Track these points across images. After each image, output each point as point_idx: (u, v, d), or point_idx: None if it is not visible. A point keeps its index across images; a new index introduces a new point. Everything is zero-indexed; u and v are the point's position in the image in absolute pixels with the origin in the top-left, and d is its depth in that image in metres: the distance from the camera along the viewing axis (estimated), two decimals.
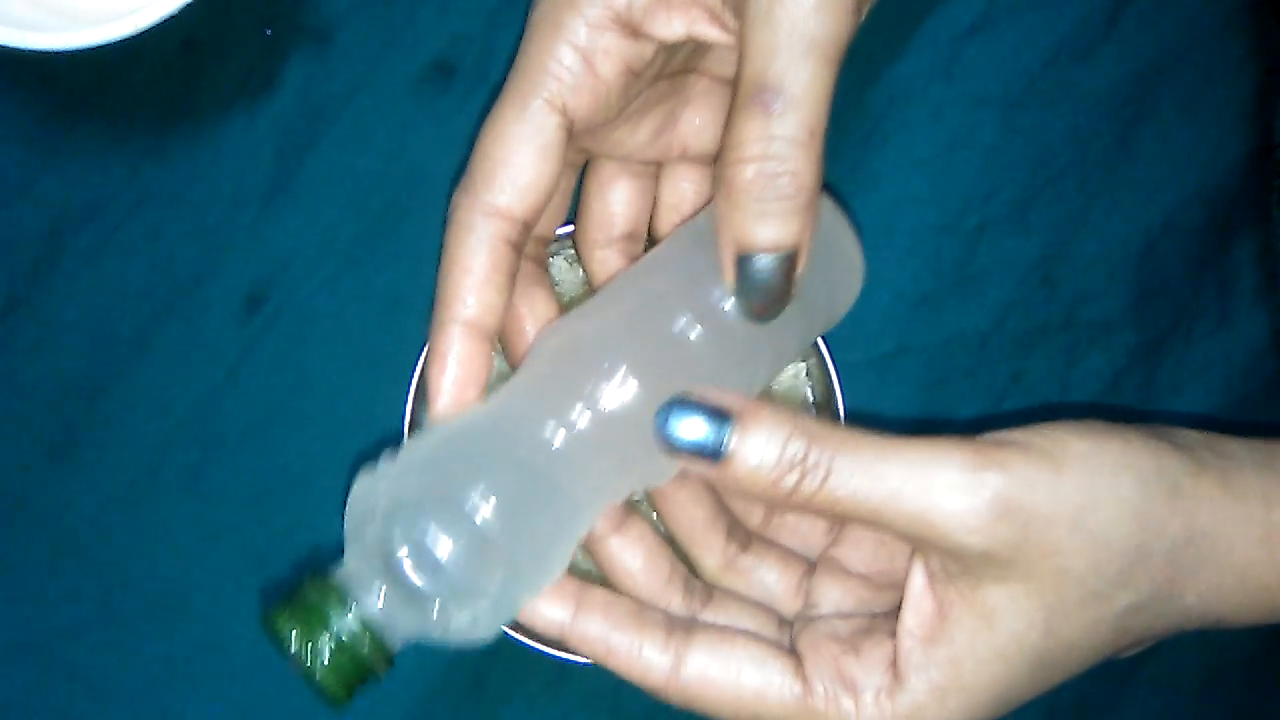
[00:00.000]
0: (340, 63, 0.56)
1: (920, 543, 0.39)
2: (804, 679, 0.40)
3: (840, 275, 0.44)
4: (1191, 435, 0.41)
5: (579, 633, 0.41)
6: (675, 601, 0.43)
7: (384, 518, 0.38)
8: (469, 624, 0.39)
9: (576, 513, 0.40)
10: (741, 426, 0.38)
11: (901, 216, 0.56)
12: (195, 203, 0.56)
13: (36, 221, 0.55)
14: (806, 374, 0.53)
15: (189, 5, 0.50)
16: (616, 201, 0.47)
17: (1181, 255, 0.56)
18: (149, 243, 0.55)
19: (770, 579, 0.43)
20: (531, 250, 0.45)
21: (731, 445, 0.38)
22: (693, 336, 0.41)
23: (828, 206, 0.44)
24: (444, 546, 0.38)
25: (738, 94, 0.39)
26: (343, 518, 0.43)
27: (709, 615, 0.43)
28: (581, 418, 0.40)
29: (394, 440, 0.50)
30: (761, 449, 0.38)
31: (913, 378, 0.56)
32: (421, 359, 0.50)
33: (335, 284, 0.55)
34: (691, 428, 0.38)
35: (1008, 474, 0.37)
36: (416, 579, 0.38)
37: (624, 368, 0.40)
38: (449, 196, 0.55)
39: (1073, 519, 0.37)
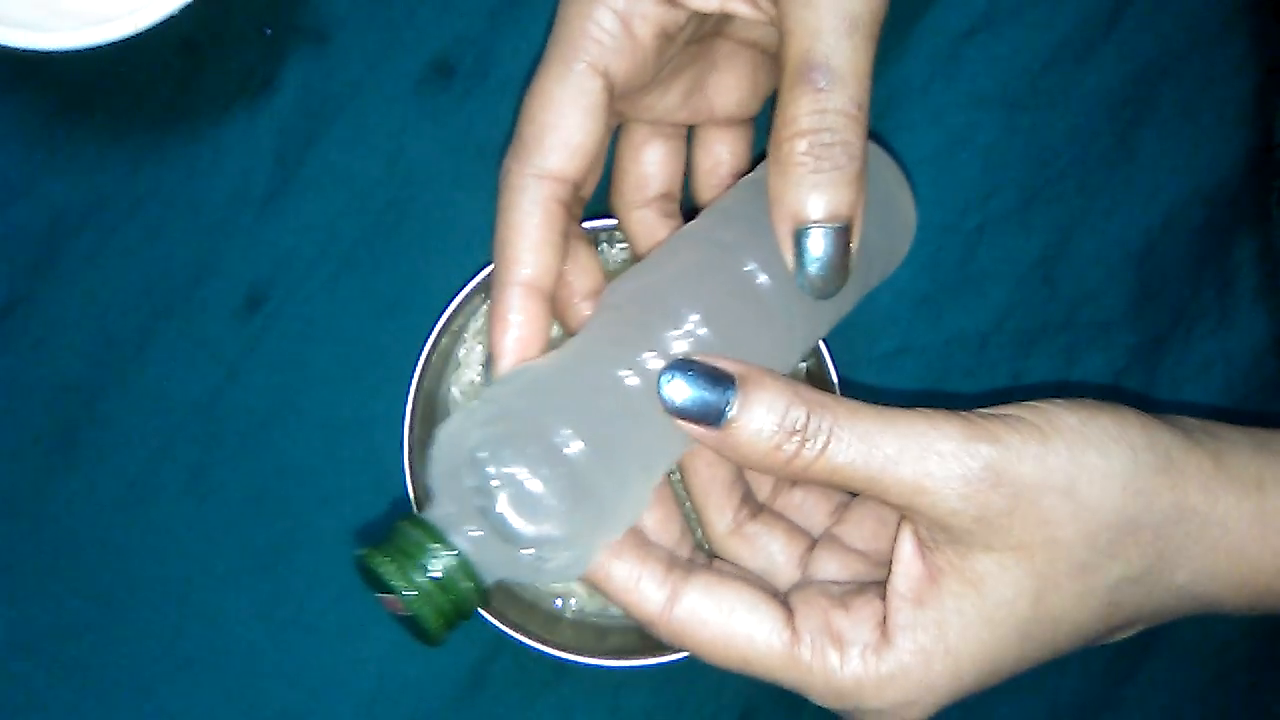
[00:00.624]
0: (340, 63, 0.56)
1: (914, 511, 0.39)
2: (793, 629, 0.40)
3: (896, 222, 0.45)
4: (1188, 420, 0.41)
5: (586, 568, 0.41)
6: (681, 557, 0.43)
7: (476, 460, 0.39)
8: (559, 562, 0.39)
9: (655, 455, 0.41)
10: (744, 392, 0.38)
11: None
12: (195, 203, 0.56)
13: (36, 221, 0.55)
14: (806, 374, 0.53)
15: (189, 5, 0.50)
16: (650, 162, 0.48)
17: (1181, 255, 0.56)
18: (149, 243, 0.55)
19: (775, 548, 0.44)
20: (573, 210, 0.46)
21: (733, 410, 0.38)
22: (759, 283, 0.41)
23: (877, 153, 0.44)
24: (539, 485, 0.38)
25: (785, 73, 0.40)
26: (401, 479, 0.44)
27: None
28: (660, 359, 0.40)
29: (393, 441, 0.50)
30: (763, 415, 0.38)
31: (913, 378, 0.56)
32: (423, 359, 0.50)
33: (335, 284, 0.55)
34: (694, 392, 0.39)
35: (998, 445, 0.38)
36: (512, 517, 0.38)
37: (697, 315, 0.41)
38: (449, 196, 0.56)
39: (1062, 489, 0.38)
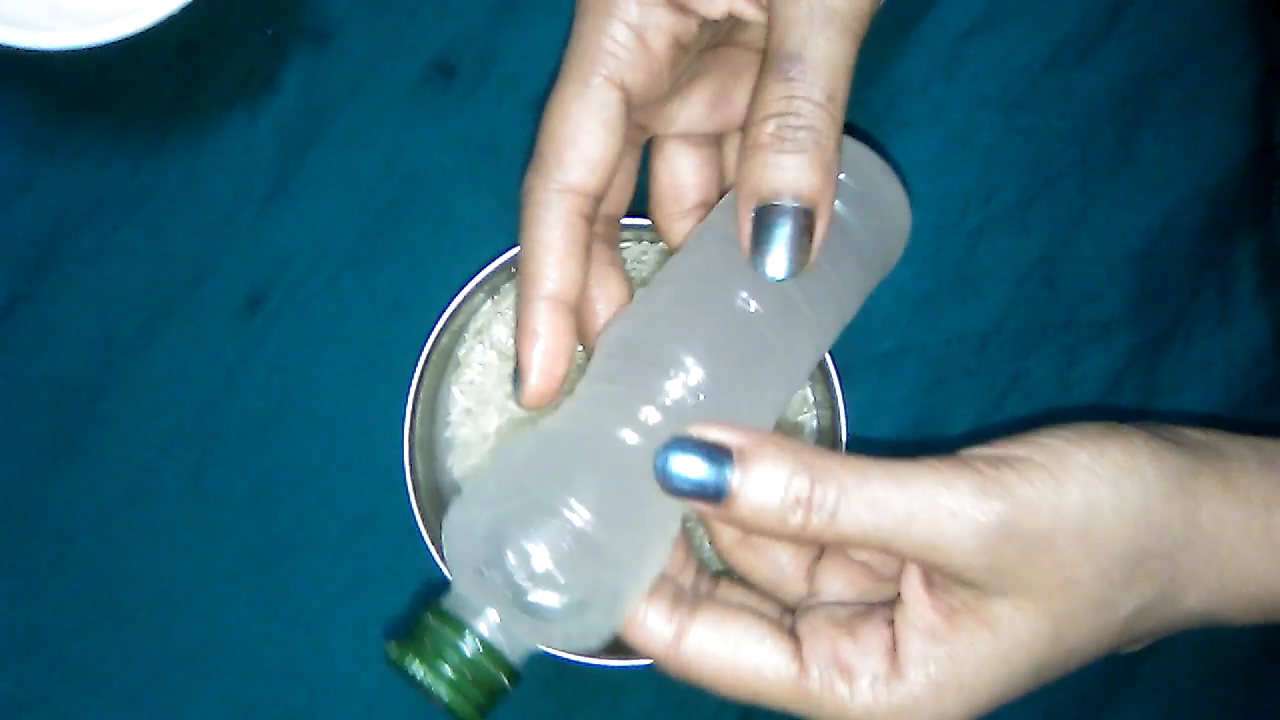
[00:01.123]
0: (340, 63, 0.56)
1: (927, 565, 0.39)
2: (801, 661, 0.40)
3: (888, 221, 0.45)
4: (1194, 434, 0.41)
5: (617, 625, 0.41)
6: (685, 585, 0.43)
7: (488, 540, 0.39)
8: (585, 629, 0.40)
9: (668, 509, 0.40)
10: (743, 467, 0.38)
11: None
12: (195, 203, 0.56)
13: (36, 221, 0.55)
14: None
15: (189, 5, 0.50)
16: (684, 173, 0.48)
17: (1181, 255, 0.56)
18: (149, 243, 0.55)
19: (783, 558, 0.43)
20: (603, 231, 0.46)
21: (733, 485, 0.38)
22: (753, 313, 0.41)
23: (866, 155, 0.44)
24: (554, 561, 0.38)
25: (763, 64, 0.41)
26: (435, 545, 0.46)
27: (717, 594, 0.43)
28: (658, 413, 0.40)
29: (393, 441, 0.50)
30: (764, 489, 0.38)
31: (913, 378, 0.56)
32: (423, 359, 0.50)
33: (335, 284, 0.55)
34: (691, 469, 0.38)
35: (1011, 499, 0.37)
36: (532, 596, 0.38)
37: (692, 358, 0.40)
38: (449, 196, 0.56)
39: (1077, 531, 0.38)
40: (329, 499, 0.55)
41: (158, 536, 0.54)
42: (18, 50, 0.49)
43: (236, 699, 0.54)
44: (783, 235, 0.40)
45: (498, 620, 0.39)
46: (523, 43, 0.56)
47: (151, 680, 0.54)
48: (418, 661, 0.39)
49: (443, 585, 0.41)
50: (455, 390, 0.54)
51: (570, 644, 0.40)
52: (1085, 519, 0.38)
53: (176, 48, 0.56)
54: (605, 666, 0.49)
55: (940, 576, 0.39)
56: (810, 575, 0.43)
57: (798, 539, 0.38)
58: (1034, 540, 0.37)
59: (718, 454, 0.38)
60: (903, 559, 0.39)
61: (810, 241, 0.40)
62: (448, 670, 0.39)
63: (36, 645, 0.54)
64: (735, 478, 0.38)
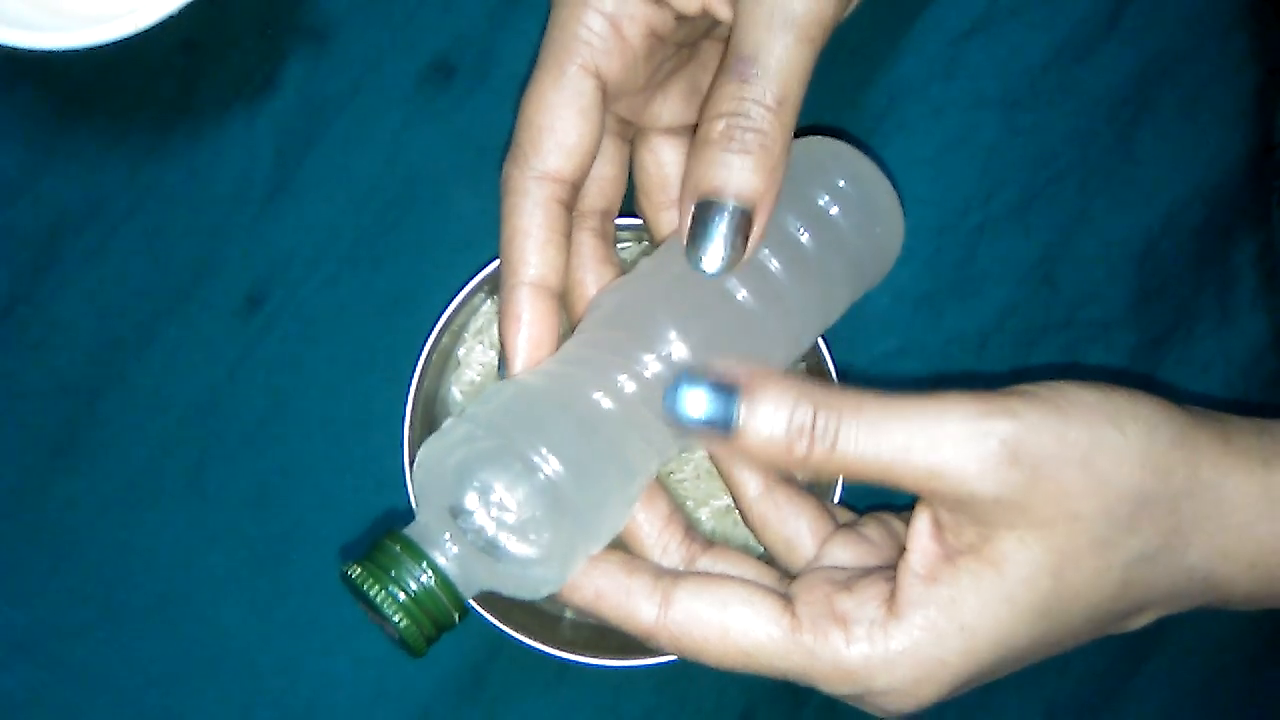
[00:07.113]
0: (340, 63, 0.56)
1: (932, 496, 0.39)
2: (793, 614, 0.40)
3: (881, 227, 0.45)
4: (1193, 406, 0.41)
5: (568, 581, 0.41)
6: (673, 544, 0.43)
7: (455, 476, 0.39)
8: (538, 577, 0.40)
9: (632, 470, 0.41)
10: (749, 399, 0.39)
11: None
12: (195, 203, 0.56)
13: (36, 221, 0.55)
14: (805, 373, 0.53)
15: (189, 5, 0.50)
16: (668, 164, 0.48)
17: (1181, 255, 0.56)
18: (149, 243, 0.55)
19: (804, 521, 0.44)
20: (599, 227, 0.46)
21: (741, 418, 0.38)
22: (739, 297, 0.42)
23: (863, 161, 0.45)
24: (516, 504, 0.39)
25: (721, 62, 0.41)
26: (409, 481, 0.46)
27: (706, 561, 0.43)
28: (634, 381, 0.41)
29: (393, 441, 0.50)
30: (770, 419, 0.38)
31: (913, 378, 0.56)
32: (423, 359, 0.50)
33: (335, 284, 0.55)
34: (700, 404, 0.39)
35: (1015, 420, 0.38)
36: (490, 534, 0.39)
37: (673, 332, 0.41)
38: (449, 196, 0.56)
39: (1081, 461, 0.38)
40: (329, 499, 0.55)
41: (158, 536, 0.54)
42: (18, 50, 0.49)
43: (236, 699, 0.54)
44: (719, 232, 0.41)
45: (456, 553, 0.40)
46: (523, 43, 0.56)
47: (151, 680, 0.54)
48: (375, 584, 0.39)
49: (406, 515, 0.41)
50: (455, 390, 0.54)
51: (518, 591, 0.41)
52: (1090, 451, 0.38)
53: (176, 48, 0.56)
54: (605, 666, 0.49)
55: (947, 514, 0.39)
56: (823, 545, 0.43)
57: (804, 467, 0.39)
58: (1040, 464, 0.38)
59: (726, 388, 0.39)
60: (910, 493, 0.39)
61: (745, 240, 0.41)
62: (403, 596, 0.39)
63: (36, 645, 0.54)
64: (743, 410, 0.38)
